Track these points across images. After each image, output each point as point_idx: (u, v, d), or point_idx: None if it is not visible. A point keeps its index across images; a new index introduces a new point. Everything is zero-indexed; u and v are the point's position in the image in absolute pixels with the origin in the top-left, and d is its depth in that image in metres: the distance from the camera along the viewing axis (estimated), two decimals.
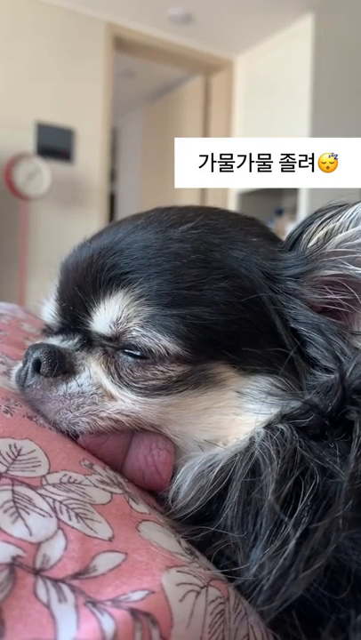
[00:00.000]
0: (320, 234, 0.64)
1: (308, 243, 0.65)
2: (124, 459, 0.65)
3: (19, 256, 5.11)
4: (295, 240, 0.67)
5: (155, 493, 0.65)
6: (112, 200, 7.41)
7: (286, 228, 5.59)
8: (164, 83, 7.20)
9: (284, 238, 0.75)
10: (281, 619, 0.51)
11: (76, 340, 0.70)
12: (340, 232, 0.63)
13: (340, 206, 0.64)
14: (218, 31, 5.82)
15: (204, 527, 0.57)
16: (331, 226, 0.64)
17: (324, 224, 0.64)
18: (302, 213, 5.49)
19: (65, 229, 5.35)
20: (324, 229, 0.64)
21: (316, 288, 0.64)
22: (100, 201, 5.68)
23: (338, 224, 0.63)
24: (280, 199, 6.50)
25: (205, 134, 6.77)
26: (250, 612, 0.52)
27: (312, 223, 0.65)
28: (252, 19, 5.51)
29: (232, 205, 6.30)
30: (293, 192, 5.81)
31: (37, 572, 0.42)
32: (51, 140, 5.36)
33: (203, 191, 6.79)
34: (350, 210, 0.64)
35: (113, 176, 7.64)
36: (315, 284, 0.64)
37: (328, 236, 0.64)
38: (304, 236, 0.66)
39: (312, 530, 0.50)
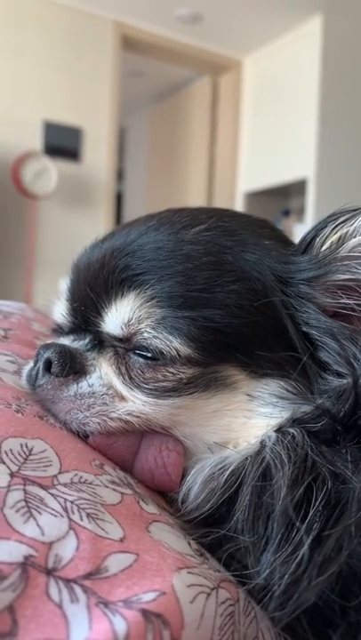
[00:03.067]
0: (333, 238, 0.64)
1: (322, 246, 0.65)
2: (134, 459, 0.65)
3: (26, 254, 5.13)
4: (308, 243, 0.66)
5: (164, 494, 0.65)
6: (119, 199, 7.42)
7: (293, 229, 5.59)
8: (172, 82, 7.20)
9: (290, 239, 0.75)
10: (291, 623, 0.51)
11: (87, 340, 0.70)
12: (354, 236, 0.63)
13: (354, 210, 0.64)
14: (226, 31, 5.82)
15: (215, 530, 0.57)
16: (344, 230, 0.63)
17: (338, 228, 0.64)
18: (310, 214, 5.48)
19: (72, 228, 5.37)
20: (338, 233, 0.64)
21: (329, 292, 0.64)
22: (106, 200, 5.69)
23: (352, 228, 0.63)
24: (287, 200, 6.50)
25: (213, 134, 6.78)
26: (260, 614, 0.52)
27: (325, 227, 0.65)
28: (261, 19, 5.50)
29: (239, 206, 6.31)
30: (301, 193, 5.81)
31: (49, 572, 0.42)
32: (58, 138, 5.38)
33: (209, 191, 6.80)
34: None
35: (120, 175, 7.65)
36: (327, 288, 0.64)
37: (342, 241, 0.63)
38: (317, 239, 0.65)
39: (325, 536, 0.50)
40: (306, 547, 0.49)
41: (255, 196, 6.37)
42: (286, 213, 6.35)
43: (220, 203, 6.52)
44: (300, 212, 6.00)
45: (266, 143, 6.10)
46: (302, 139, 5.57)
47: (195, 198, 6.83)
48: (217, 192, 6.76)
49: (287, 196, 6.46)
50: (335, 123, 5.52)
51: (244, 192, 6.40)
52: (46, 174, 4.98)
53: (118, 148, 6.04)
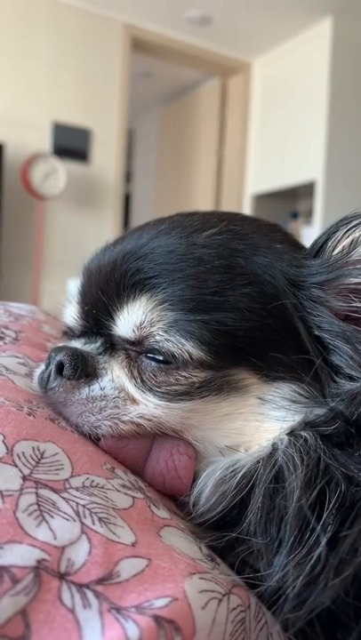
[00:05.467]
0: (346, 242, 0.64)
1: (334, 250, 0.65)
2: (145, 463, 0.65)
3: (34, 255, 5.14)
4: (320, 247, 0.66)
5: (174, 499, 0.65)
6: (127, 201, 7.44)
7: (302, 232, 5.57)
8: (181, 84, 7.21)
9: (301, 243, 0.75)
10: (304, 629, 0.51)
11: (98, 343, 0.70)
12: None
13: None
14: (236, 33, 5.82)
15: (226, 533, 0.57)
16: (357, 234, 0.63)
17: (350, 232, 0.64)
18: (318, 217, 5.47)
19: (80, 229, 5.39)
20: (350, 237, 0.64)
21: (341, 296, 0.63)
22: (114, 201, 5.70)
23: None
24: (295, 202, 6.49)
25: (221, 136, 6.78)
26: (270, 620, 0.52)
27: (338, 231, 0.65)
28: (271, 21, 5.50)
29: (246, 208, 6.31)
30: (309, 195, 5.80)
31: (62, 577, 0.42)
32: (67, 139, 5.40)
33: (217, 193, 6.80)
34: None
35: (128, 177, 7.66)
36: (340, 291, 0.63)
37: (354, 244, 0.63)
38: (329, 243, 0.65)
39: (339, 539, 0.50)
40: (321, 547, 0.49)
41: (263, 199, 6.37)
42: (294, 216, 6.34)
43: (227, 205, 6.52)
44: (309, 215, 5.98)
45: (274, 145, 6.10)
46: (311, 141, 5.56)
47: (203, 200, 6.83)
48: (225, 194, 6.76)
49: (295, 198, 6.45)
50: (344, 125, 5.51)
51: (252, 194, 6.40)
52: (55, 175, 5.00)
53: (127, 150, 6.05)
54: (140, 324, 0.64)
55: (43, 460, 0.53)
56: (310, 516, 0.52)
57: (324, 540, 0.50)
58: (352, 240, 0.64)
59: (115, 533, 0.48)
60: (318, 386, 0.63)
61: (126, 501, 0.54)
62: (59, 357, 0.67)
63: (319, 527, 0.51)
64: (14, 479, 0.49)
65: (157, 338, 0.63)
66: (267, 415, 0.63)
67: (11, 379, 0.70)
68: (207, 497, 0.61)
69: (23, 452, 0.53)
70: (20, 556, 0.42)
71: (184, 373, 0.63)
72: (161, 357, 0.63)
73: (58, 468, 0.53)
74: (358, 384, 0.60)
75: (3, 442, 0.53)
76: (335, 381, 0.63)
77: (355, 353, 0.61)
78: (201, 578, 0.48)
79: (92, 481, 0.54)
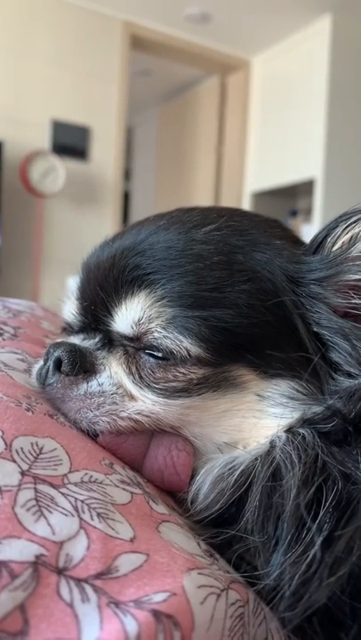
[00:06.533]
0: (345, 238, 0.64)
1: (333, 246, 0.64)
2: (144, 459, 0.65)
3: (33, 252, 5.14)
4: (319, 243, 0.66)
5: (173, 494, 0.65)
6: (126, 198, 7.43)
7: (301, 230, 5.57)
8: (180, 82, 7.20)
9: (301, 239, 0.75)
10: (302, 625, 0.51)
11: (96, 339, 0.70)
12: None
13: None
14: (235, 31, 5.81)
15: (224, 530, 0.57)
16: (356, 230, 0.63)
17: (350, 228, 0.63)
18: (317, 215, 5.47)
19: (79, 227, 5.38)
20: (350, 233, 0.63)
21: (340, 292, 0.63)
22: (114, 199, 5.70)
23: None
24: (295, 200, 6.48)
25: (221, 134, 6.78)
26: (269, 616, 0.52)
27: (337, 227, 0.65)
28: (270, 19, 5.49)
29: (246, 206, 6.30)
30: (309, 193, 5.79)
31: (60, 572, 0.42)
32: (66, 137, 5.39)
33: (217, 191, 6.80)
34: None
35: (127, 174, 7.65)
36: (339, 288, 0.63)
37: (353, 241, 0.63)
38: (329, 239, 0.65)
39: (335, 537, 0.50)
40: (317, 547, 0.49)
41: (262, 197, 6.36)
42: (294, 214, 6.34)
43: (227, 203, 6.51)
44: (308, 213, 5.98)
45: (274, 143, 6.09)
46: (310, 139, 5.56)
47: (202, 198, 6.83)
48: (224, 192, 6.76)
49: (295, 196, 6.45)
50: (344, 123, 5.51)
51: (251, 192, 6.39)
52: (54, 173, 5.00)
53: (126, 148, 6.04)
54: (139, 321, 0.64)
55: (41, 456, 0.53)
56: (306, 515, 0.51)
57: (319, 540, 0.50)
58: (351, 236, 0.63)
59: (113, 529, 0.48)
60: (317, 383, 0.63)
61: (125, 497, 0.54)
62: (57, 353, 0.67)
63: (315, 526, 0.50)
64: (13, 474, 0.49)
65: (156, 335, 0.62)
66: (265, 412, 0.63)
67: (9, 374, 0.70)
68: (205, 494, 0.60)
69: (22, 448, 0.53)
70: (19, 551, 0.42)
71: (182, 370, 0.62)
72: (159, 354, 0.63)
73: (56, 463, 0.53)
74: (356, 381, 0.60)
75: (1, 437, 0.53)
76: (334, 378, 0.62)
77: (353, 350, 0.61)
78: (199, 573, 0.48)
79: (91, 476, 0.54)
